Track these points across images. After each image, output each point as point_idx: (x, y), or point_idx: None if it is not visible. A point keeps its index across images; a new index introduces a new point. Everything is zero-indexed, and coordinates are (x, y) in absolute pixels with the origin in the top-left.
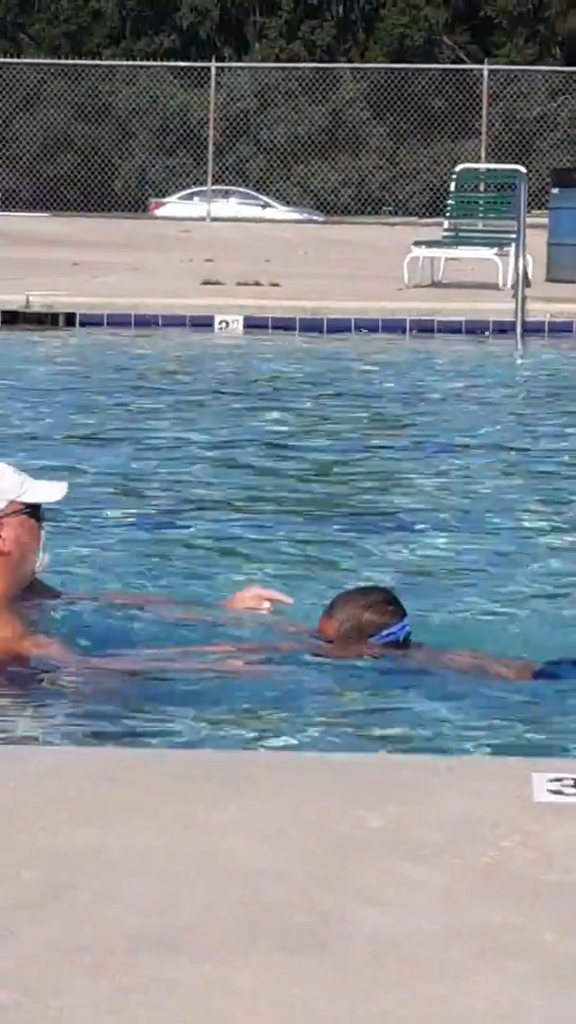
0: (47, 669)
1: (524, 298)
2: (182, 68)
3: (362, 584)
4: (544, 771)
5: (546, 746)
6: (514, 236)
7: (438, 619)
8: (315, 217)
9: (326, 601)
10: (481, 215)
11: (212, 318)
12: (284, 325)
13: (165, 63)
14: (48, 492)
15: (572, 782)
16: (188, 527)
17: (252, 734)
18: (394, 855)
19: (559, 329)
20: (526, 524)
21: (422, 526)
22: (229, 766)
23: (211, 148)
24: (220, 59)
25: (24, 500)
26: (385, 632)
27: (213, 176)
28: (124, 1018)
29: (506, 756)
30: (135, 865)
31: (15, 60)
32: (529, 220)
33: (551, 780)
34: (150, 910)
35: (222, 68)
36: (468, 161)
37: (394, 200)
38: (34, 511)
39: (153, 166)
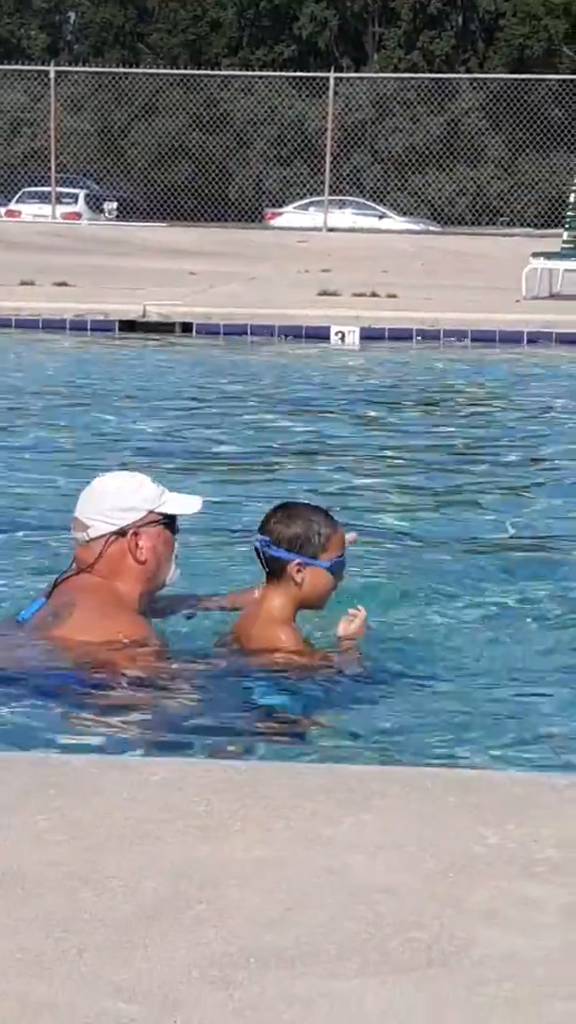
0: (169, 676)
1: None
2: (300, 78)
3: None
4: None
5: None
6: None
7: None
8: (431, 228)
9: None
10: None
11: (328, 329)
12: (401, 336)
13: (283, 73)
14: (185, 505)
15: None
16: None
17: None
18: (513, 873)
19: None
20: None
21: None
22: (349, 780)
23: (328, 158)
24: (338, 69)
25: (162, 511)
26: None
27: (330, 186)
28: None
29: None
30: (256, 879)
31: (133, 70)
32: None
33: None
34: (273, 925)
35: (340, 78)
36: None
37: (511, 211)
38: (170, 523)
39: (269, 176)
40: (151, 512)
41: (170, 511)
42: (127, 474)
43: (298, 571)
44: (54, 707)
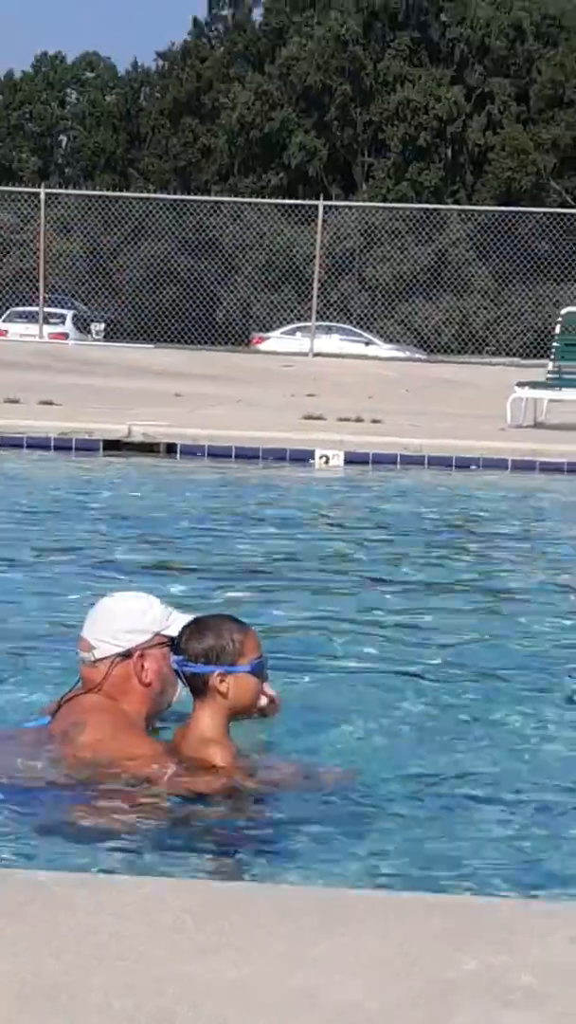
0: (169, 796)
1: None
2: (289, 206)
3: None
4: None
5: None
6: None
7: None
8: (417, 355)
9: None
10: None
11: (313, 453)
12: (385, 460)
13: (272, 200)
14: None
15: None
16: None
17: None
18: (490, 1001)
19: None
20: None
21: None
22: (326, 903)
23: (316, 284)
24: (327, 197)
25: (168, 633)
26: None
27: (317, 312)
28: None
29: None
30: (235, 997)
31: (123, 194)
32: None
33: None
34: None
35: (329, 206)
36: (573, 304)
37: (496, 340)
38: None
39: (257, 301)
40: (157, 635)
41: (176, 634)
42: (136, 595)
43: (221, 681)
44: (52, 821)
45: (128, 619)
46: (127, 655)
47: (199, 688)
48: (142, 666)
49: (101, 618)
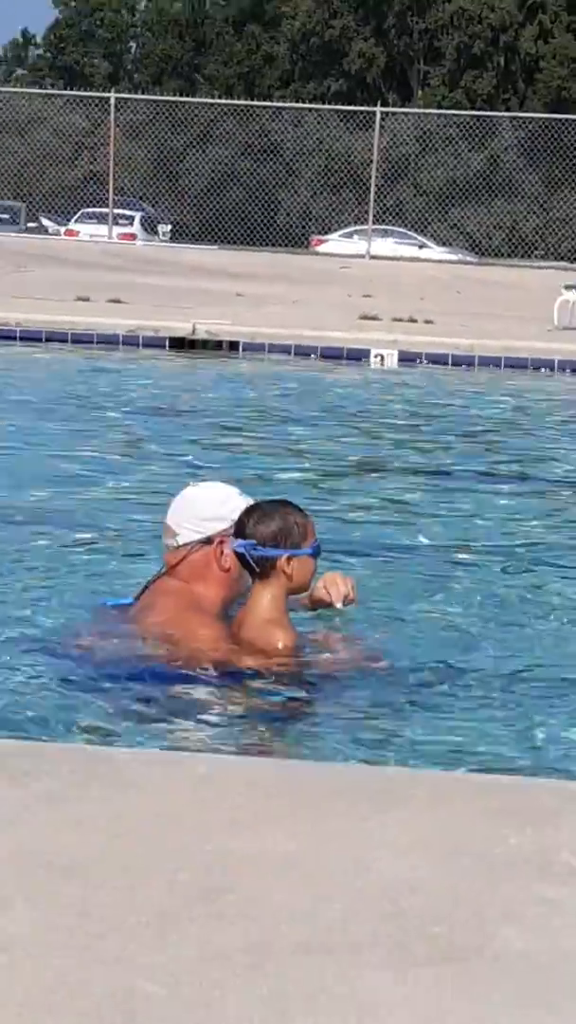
0: (229, 678)
1: None
2: (348, 112)
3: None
4: None
5: None
6: None
7: None
8: (468, 258)
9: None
10: None
11: (368, 352)
12: (437, 360)
13: (332, 107)
14: None
15: None
16: None
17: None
18: (531, 875)
19: None
20: None
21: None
22: (378, 782)
23: (373, 189)
24: (385, 104)
25: None
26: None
27: (373, 216)
28: (276, 1011)
29: None
30: (285, 872)
31: (190, 99)
32: None
33: None
34: (301, 917)
35: (386, 113)
36: None
37: (545, 245)
38: None
39: (316, 204)
40: (234, 530)
41: None
42: (217, 485)
43: (288, 563)
44: (120, 698)
45: (209, 507)
46: (207, 541)
47: (265, 571)
48: (221, 552)
49: (184, 506)
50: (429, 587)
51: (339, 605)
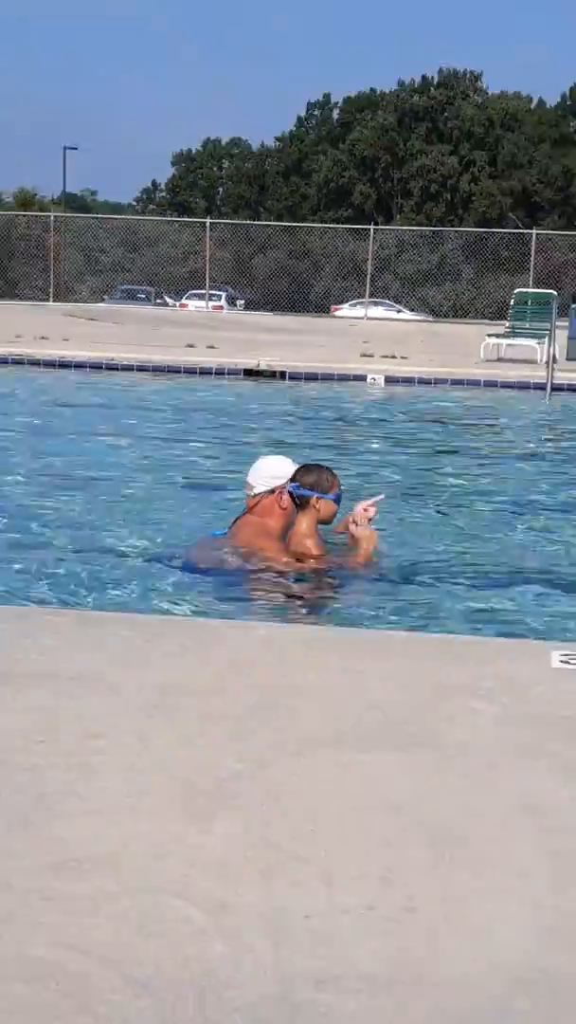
0: (289, 576)
1: (553, 369)
2: (353, 229)
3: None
4: (559, 650)
5: (560, 631)
6: (547, 332)
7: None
8: (428, 319)
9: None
10: (528, 319)
11: (366, 376)
12: (409, 380)
13: (343, 226)
14: None
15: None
16: None
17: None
18: (468, 695)
19: (573, 388)
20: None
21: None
22: (370, 639)
23: (368, 276)
24: (375, 223)
25: None
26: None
27: (369, 293)
28: (310, 780)
29: (534, 640)
30: (312, 694)
31: (255, 223)
32: (557, 323)
33: (562, 655)
34: (325, 721)
35: (377, 229)
36: (522, 287)
37: (476, 309)
38: None
39: (334, 286)
40: (289, 480)
41: None
42: (278, 457)
43: (317, 501)
44: (222, 587)
45: (273, 470)
46: (272, 491)
47: (304, 505)
48: (281, 497)
49: (258, 469)
50: (411, 511)
51: (355, 530)
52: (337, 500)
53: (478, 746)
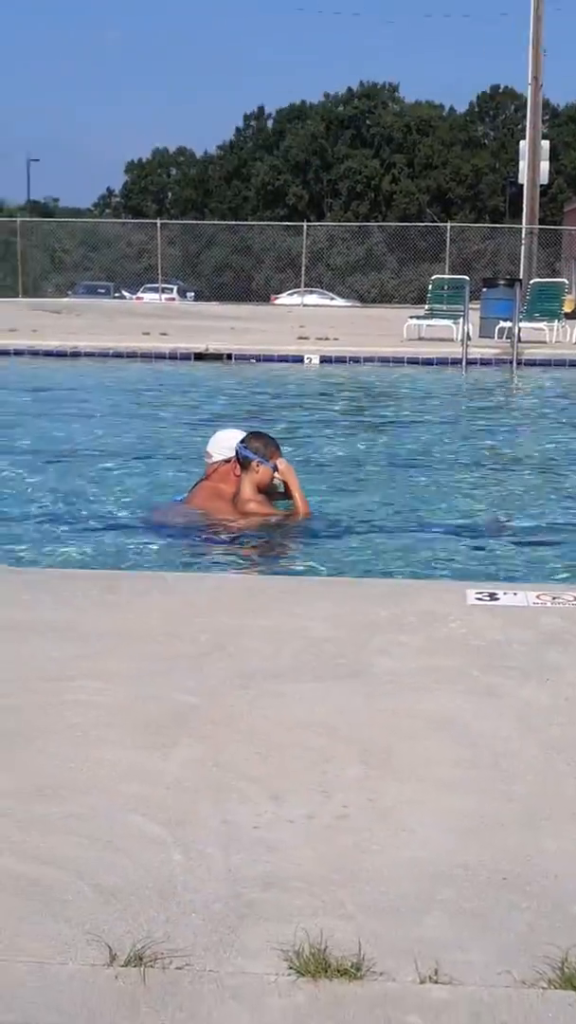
0: (239, 532)
1: (467, 346)
2: (289, 226)
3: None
4: (473, 588)
5: (474, 572)
6: (462, 314)
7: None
8: (356, 305)
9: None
10: (445, 302)
11: (303, 356)
12: (340, 359)
13: (280, 223)
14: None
15: (488, 595)
16: None
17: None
18: (394, 630)
19: (484, 362)
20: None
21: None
22: (311, 585)
23: (304, 268)
24: (308, 220)
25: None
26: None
27: (304, 283)
28: (257, 710)
29: (453, 579)
30: (259, 636)
31: (201, 222)
32: (470, 305)
33: (477, 593)
34: (268, 657)
35: (310, 226)
36: (439, 274)
37: (399, 295)
38: None
39: (273, 277)
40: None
41: None
42: (233, 429)
43: (257, 465)
44: (180, 544)
45: (229, 441)
46: (228, 460)
47: (245, 465)
48: (236, 464)
49: (216, 440)
50: (343, 473)
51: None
52: (273, 468)
53: (403, 673)
